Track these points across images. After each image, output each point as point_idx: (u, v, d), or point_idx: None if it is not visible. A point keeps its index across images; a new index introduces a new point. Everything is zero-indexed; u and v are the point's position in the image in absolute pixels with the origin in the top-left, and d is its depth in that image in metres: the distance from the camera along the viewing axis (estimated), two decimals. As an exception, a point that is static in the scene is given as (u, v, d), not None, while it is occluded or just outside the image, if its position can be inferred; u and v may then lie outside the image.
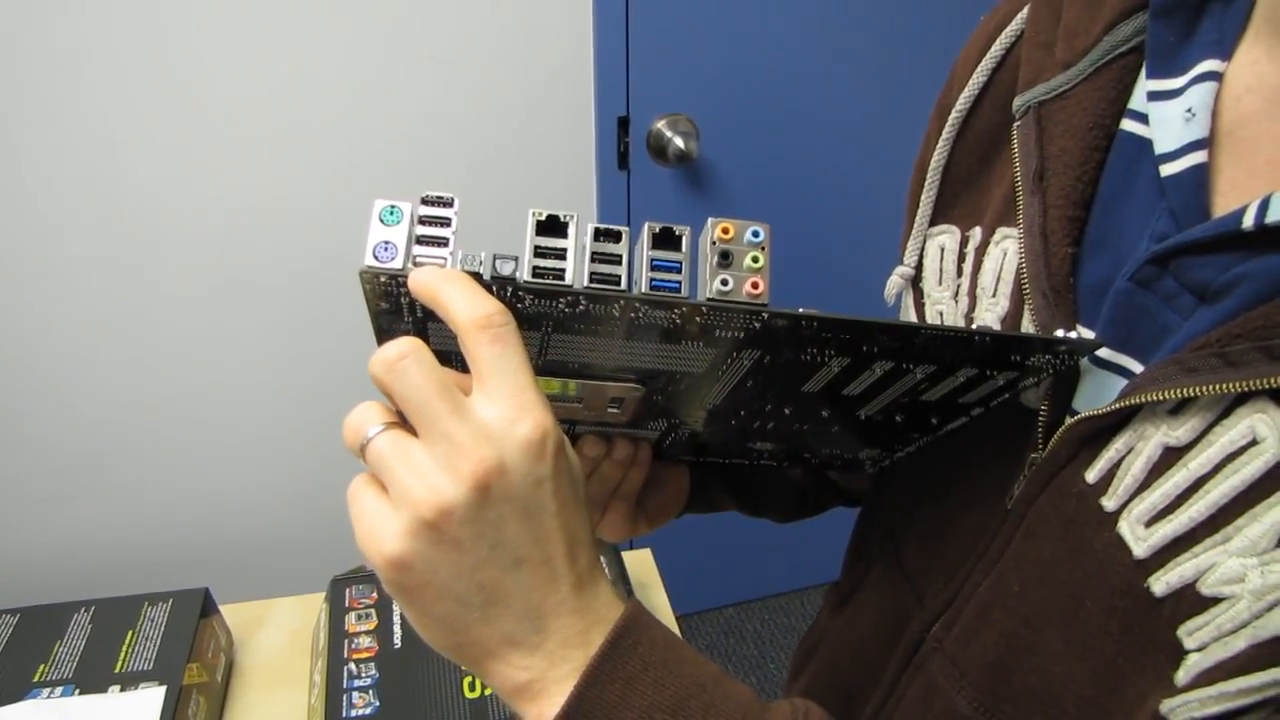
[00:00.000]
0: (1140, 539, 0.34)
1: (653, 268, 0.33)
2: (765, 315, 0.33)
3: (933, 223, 0.49)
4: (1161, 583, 0.33)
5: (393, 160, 1.26)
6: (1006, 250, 0.43)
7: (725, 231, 0.33)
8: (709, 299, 0.33)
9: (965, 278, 0.46)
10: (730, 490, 0.62)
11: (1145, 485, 0.34)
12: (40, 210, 1.15)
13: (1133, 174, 0.39)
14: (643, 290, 0.33)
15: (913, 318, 0.50)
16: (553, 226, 0.33)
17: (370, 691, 0.74)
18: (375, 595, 0.85)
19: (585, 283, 0.33)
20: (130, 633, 0.80)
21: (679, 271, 0.33)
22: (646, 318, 0.34)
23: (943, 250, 0.48)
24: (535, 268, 0.32)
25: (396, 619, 0.81)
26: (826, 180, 1.51)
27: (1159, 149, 0.37)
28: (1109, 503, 0.36)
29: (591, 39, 1.29)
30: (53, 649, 0.78)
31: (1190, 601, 0.33)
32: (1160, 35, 0.38)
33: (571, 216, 0.33)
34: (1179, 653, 0.33)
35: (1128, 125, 0.40)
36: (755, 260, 0.33)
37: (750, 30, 1.35)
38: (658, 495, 0.58)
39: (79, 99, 1.11)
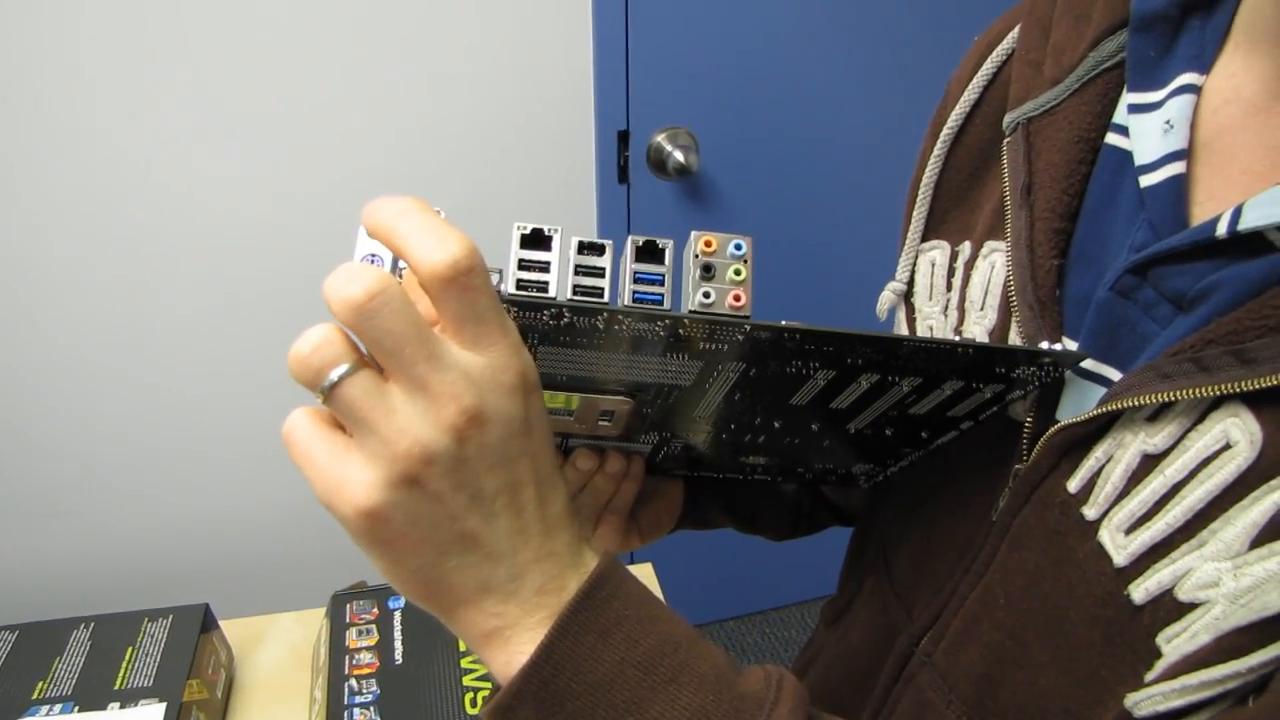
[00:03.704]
0: (1120, 547, 0.34)
1: (636, 280, 0.34)
2: (748, 328, 0.33)
3: (924, 238, 0.50)
4: (1141, 590, 0.34)
5: (394, 174, 1.27)
6: (994, 263, 0.44)
7: (708, 245, 0.34)
8: (691, 312, 0.33)
9: (954, 292, 0.46)
10: (725, 507, 0.62)
11: (1125, 493, 0.35)
12: (39, 220, 1.16)
13: (1116, 186, 0.40)
14: (625, 303, 0.33)
15: (904, 333, 0.51)
16: (537, 240, 0.33)
17: (371, 708, 0.74)
18: (376, 611, 0.85)
19: (568, 295, 0.33)
20: (130, 649, 0.80)
21: (661, 284, 0.34)
22: (630, 330, 0.34)
23: (933, 265, 0.48)
24: (519, 280, 0.33)
25: (398, 635, 0.81)
26: (825, 194, 1.52)
27: (1139, 160, 0.38)
28: (1090, 512, 0.36)
29: (591, 53, 1.30)
30: (52, 666, 0.78)
31: (1168, 608, 0.33)
32: (1140, 50, 0.39)
33: (556, 230, 0.33)
34: (1156, 659, 0.33)
35: (1112, 139, 0.40)
36: (738, 273, 0.34)
37: (750, 44, 1.35)
38: (651, 510, 0.58)
39: (80, 107, 1.12)
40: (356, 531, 0.30)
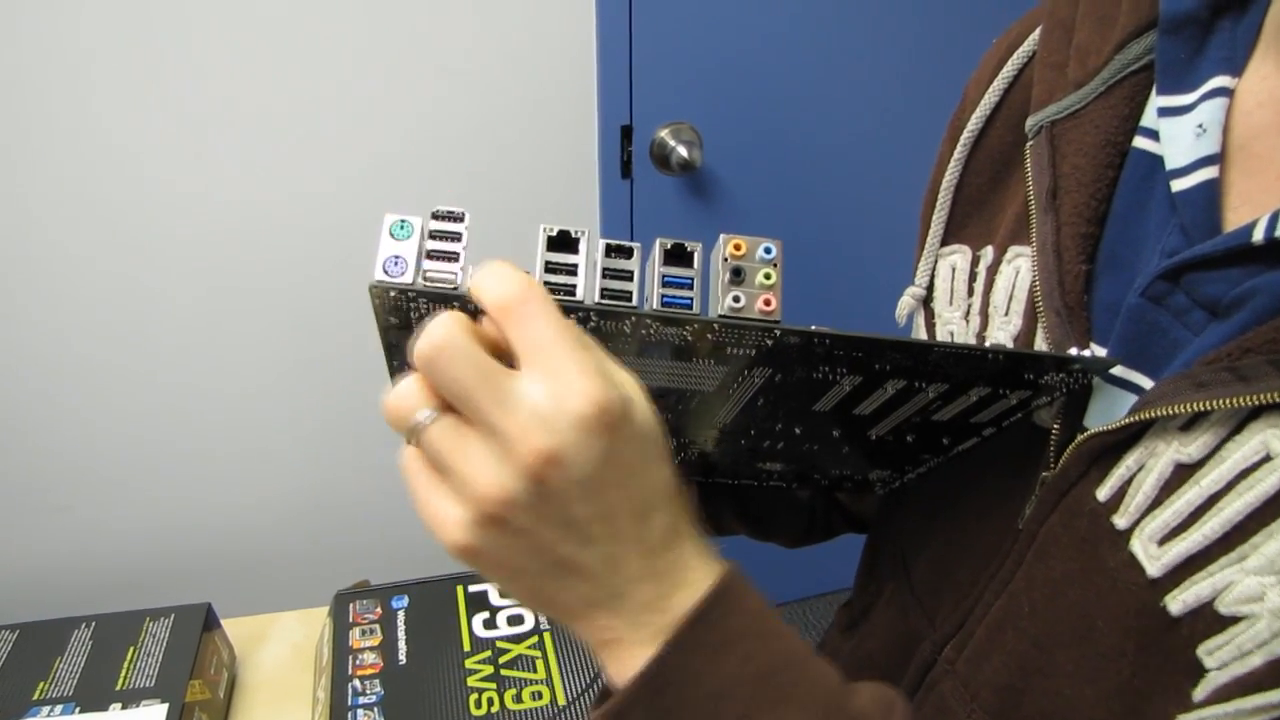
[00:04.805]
0: (1153, 558, 0.34)
1: (664, 284, 0.33)
2: (777, 333, 0.33)
3: (944, 243, 0.49)
4: (1178, 602, 0.33)
5: (395, 169, 1.26)
6: (1019, 268, 0.43)
7: (737, 248, 0.33)
8: (721, 316, 0.33)
9: (976, 297, 0.46)
10: (738, 513, 0.62)
11: (1157, 503, 0.34)
12: (39, 215, 1.15)
13: (1146, 190, 0.39)
14: (654, 307, 0.33)
15: (924, 338, 0.50)
16: (564, 242, 0.33)
17: (375, 709, 0.73)
18: (379, 611, 0.84)
19: (596, 299, 0.32)
20: (131, 649, 0.79)
21: (690, 288, 0.33)
22: (658, 335, 0.34)
23: (954, 270, 0.48)
24: (546, 283, 0.32)
25: (401, 635, 0.81)
26: (831, 189, 1.51)
27: (1170, 165, 0.37)
28: (1121, 521, 0.35)
29: (594, 47, 1.29)
30: (53, 666, 0.77)
31: (1209, 620, 0.32)
32: (1170, 52, 0.38)
33: (583, 232, 0.33)
34: (1199, 671, 0.33)
35: (1140, 142, 0.40)
36: (767, 277, 0.33)
37: (754, 38, 1.34)
38: None
39: (81, 103, 1.11)
40: (459, 561, 0.32)
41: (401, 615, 0.83)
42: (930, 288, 0.50)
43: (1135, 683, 0.35)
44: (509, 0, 1.21)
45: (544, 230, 0.33)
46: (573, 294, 0.32)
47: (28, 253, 1.16)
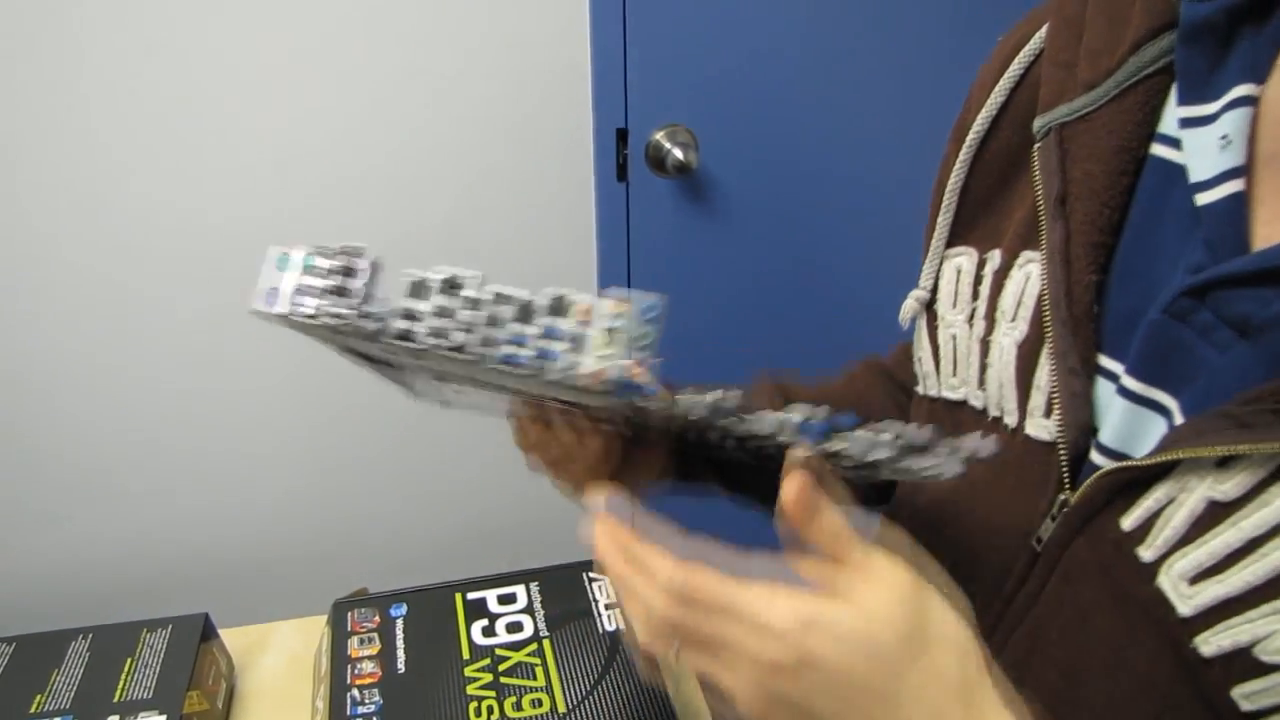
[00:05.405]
0: (1185, 597, 0.33)
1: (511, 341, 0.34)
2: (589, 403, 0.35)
3: (950, 244, 0.48)
4: (1211, 645, 0.32)
5: (390, 173, 1.25)
6: (1030, 274, 0.42)
7: (587, 312, 0.33)
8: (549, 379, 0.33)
9: (982, 301, 0.45)
10: (713, 468, 0.61)
11: (1188, 539, 0.33)
12: (37, 222, 1.14)
13: (1164, 201, 0.38)
14: (495, 361, 0.33)
15: (925, 342, 0.50)
16: (419, 289, 0.34)
17: (374, 718, 0.73)
18: (378, 619, 0.83)
19: (435, 342, 0.34)
20: (129, 660, 0.78)
21: (525, 345, 0.34)
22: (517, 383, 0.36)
23: (959, 272, 0.47)
24: (402, 332, 0.34)
25: (400, 643, 0.80)
26: (828, 191, 1.50)
27: (1193, 177, 0.36)
28: (1146, 554, 0.34)
29: (589, 50, 1.28)
30: (50, 678, 0.77)
31: (1245, 665, 0.31)
32: (1189, 60, 0.37)
33: (476, 276, 0.34)
34: (1235, 713, 0.32)
35: (1158, 150, 0.39)
36: (620, 339, 0.33)
37: (749, 39, 1.34)
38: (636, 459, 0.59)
39: (76, 108, 1.10)
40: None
41: (400, 623, 0.83)
42: (934, 290, 0.49)
43: (1165, 718, 0.34)
44: (503, 4, 1.21)
45: (407, 276, 0.34)
46: (410, 338, 0.34)
47: (25, 261, 1.16)
